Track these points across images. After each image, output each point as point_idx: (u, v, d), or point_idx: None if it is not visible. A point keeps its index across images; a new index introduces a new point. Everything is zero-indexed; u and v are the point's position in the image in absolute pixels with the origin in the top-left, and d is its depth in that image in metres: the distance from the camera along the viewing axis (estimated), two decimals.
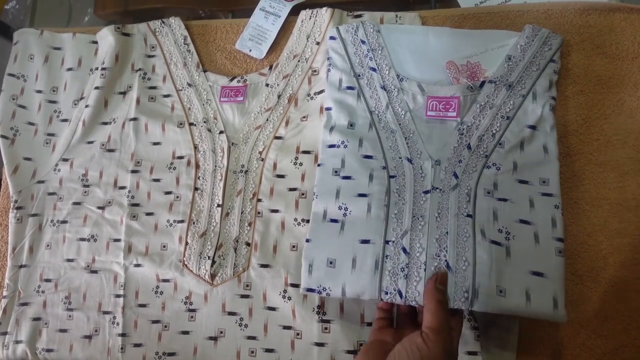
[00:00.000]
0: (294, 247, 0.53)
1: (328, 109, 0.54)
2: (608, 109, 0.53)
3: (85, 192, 0.60)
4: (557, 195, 0.47)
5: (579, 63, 0.54)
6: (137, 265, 0.56)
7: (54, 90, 0.63)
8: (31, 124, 0.62)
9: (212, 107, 0.60)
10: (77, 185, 0.60)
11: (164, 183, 0.58)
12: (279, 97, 0.58)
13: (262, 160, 0.56)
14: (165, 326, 0.54)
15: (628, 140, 0.52)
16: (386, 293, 0.44)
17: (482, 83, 0.51)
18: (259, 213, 0.55)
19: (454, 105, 0.50)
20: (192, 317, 0.54)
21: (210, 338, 0.53)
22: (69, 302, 0.57)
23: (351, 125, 0.52)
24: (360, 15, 0.58)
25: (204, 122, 0.59)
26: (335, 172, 0.51)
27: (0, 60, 0.68)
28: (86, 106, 0.61)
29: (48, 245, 0.59)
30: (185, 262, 0.54)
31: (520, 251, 0.45)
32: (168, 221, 0.56)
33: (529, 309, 0.43)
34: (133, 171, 0.59)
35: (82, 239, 0.58)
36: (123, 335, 0.54)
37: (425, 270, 0.45)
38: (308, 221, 0.51)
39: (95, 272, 0.57)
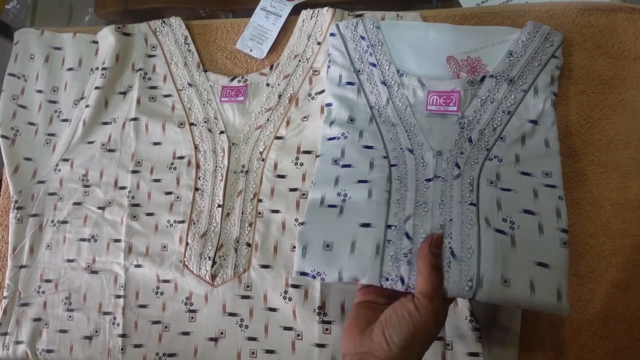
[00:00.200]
0: (294, 247, 0.52)
1: (328, 104, 0.53)
2: (610, 109, 0.53)
3: (86, 192, 0.59)
4: (560, 187, 0.47)
5: (581, 63, 0.54)
6: (138, 266, 0.56)
7: (54, 90, 0.63)
8: (32, 124, 0.62)
9: (213, 107, 0.60)
10: (77, 185, 0.60)
11: (165, 183, 0.58)
12: (279, 97, 0.58)
13: (263, 160, 0.56)
14: (166, 327, 0.54)
15: (630, 141, 0.52)
16: (387, 279, 0.42)
17: (483, 78, 0.51)
18: (259, 213, 0.55)
19: (454, 100, 0.50)
20: (192, 317, 0.53)
21: (211, 339, 0.52)
22: (69, 302, 0.57)
23: (351, 120, 0.52)
24: (361, 15, 0.58)
25: (205, 122, 0.59)
26: (335, 161, 0.50)
27: (1, 60, 0.68)
28: (86, 106, 0.61)
29: (48, 246, 0.59)
30: (186, 263, 0.54)
31: (524, 241, 0.44)
32: (168, 221, 0.56)
33: (533, 300, 0.41)
34: (133, 171, 0.59)
35: (83, 240, 0.58)
36: (123, 336, 0.54)
37: None
38: None
39: (95, 272, 0.57)
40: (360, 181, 0.48)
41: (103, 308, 0.56)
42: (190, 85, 0.61)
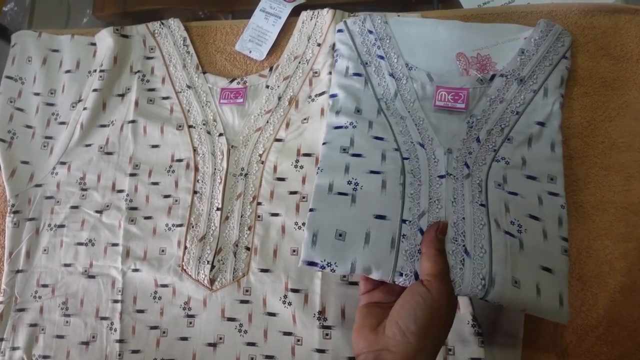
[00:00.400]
0: (294, 251, 0.52)
1: (333, 95, 0.52)
2: (613, 111, 0.53)
3: (83, 195, 0.59)
4: (563, 195, 0.47)
5: (584, 65, 0.54)
6: (135, 270, 0.55)
7: (51, 93, 0.63)
8: (29, 127, 0.61)
9: (212, 109, 0.59)
10: (74, 188, 0.59)
11: (163, 186, 0.57)
12: (279, 99, 0.58)
13: (262, 163, 0.56)
14: (164, 332, 0.53)
15: (634, 143, 0.52)
16: (401, 274, 0.42)
17: (493, 76, 0.50)
18: (259, 217, 0.54)
19: (463, 97, 0.50)
20: (190, 322, 0.53)
21: (209, 344, 0.52)
22: (66, 307, 0.56)
23: (358, 110, 0.51)
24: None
25: (204, 124, 0.58)
26: (344, 149, 0.49)
27: None
28: (84, 109, 0.60)
29: (45, 250, 0.58)
30: (184, 267, 0.54)
31: (531, 245, 0.44)
32: (167, 225, 0.56)
33: (538, 304, 0.42)
34: (131, 174, 0.58)
35: (80, 244, 0.57)
36: (121, 341, 0.54)
37: None
38: None
39: (92, 277, 0.56)
40: (372, 171, 0.47)
41: (100, 313, 0.55)
42: (189, 87, 0.60)
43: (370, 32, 0.54)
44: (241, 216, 0.54)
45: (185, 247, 0.54)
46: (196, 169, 0.57)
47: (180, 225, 0.55)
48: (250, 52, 0.61)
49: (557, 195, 0.47)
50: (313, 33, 0.59)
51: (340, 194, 0.46)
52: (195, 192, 0.56)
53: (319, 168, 0.48)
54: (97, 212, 0.58)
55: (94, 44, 0.63)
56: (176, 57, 0.62)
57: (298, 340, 0.50)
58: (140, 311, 0.54)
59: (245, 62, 0.62)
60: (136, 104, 0.60)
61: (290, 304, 0.51)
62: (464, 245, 0.43)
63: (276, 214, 0.54)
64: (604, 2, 0.56)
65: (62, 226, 0.58)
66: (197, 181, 0.56)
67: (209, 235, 0.54)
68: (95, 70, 0.61)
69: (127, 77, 0.62)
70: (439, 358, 0.46)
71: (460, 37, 0.53)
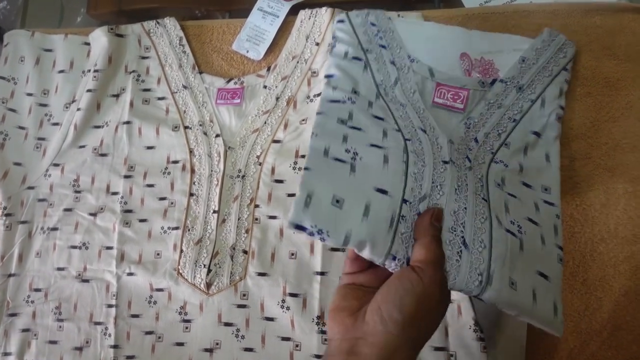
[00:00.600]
0: (292, 254, 0.51)
1: (330, 75, 0.49)
2: (617, 112, 0.52)
3: (77, 198, 0.58)
4: (558, 205, 0.46)
5: (587, 65, 0.53)
6: (130, 274, 0.54)
7: (45, 93, 0.62)
8: (21, 128, 0.60)
9: (208, 109, 0.58)
10: (68, 191, 0.58)
11: (158, 188, 0.56)
12: (277, 99, 0.57)
13: (260, 164, 0.55)
14: (159, 337, 0.52)
15: (638, 144, 0.51)
16: (394, 258, 0.38)
17: (494, 81, 0.49)
18: (256, 219, 0.53)
19: (462, 97, 0.49)
20: (186, 327, 0.52)
21: (206, 350, 0.51)
22: (59, 312, 0.55)
23: (355, 92, 0.48)
24: None
25: (200, 125, 0.57)
26: (342, 121, 0.45)
27: None
28: (78, 109, 0.59)
29: (38, 254, 0.57)
30: (180, 271, 0.53)
31: (530, 248, 0.42)
32: (162, 228, 0.55)
33: (533, 310, 0.40)
34: (126, 176, 0.57)
35: (73, 247, 0.56)
36: (115, 347, 0.53)
37: None
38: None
39: (86, 281, 0.55)
40: (373, 145, 0.44)
41: (94, 318, 0.54)
42: (185, 87, 0.59)
43: (373, 24, 0.52)
44: (238, 219, 0.53)
45: (181, 251, 0.53)
46: (192, 171, 0.56)
47: (176, 228, 0.54)
48: (247, 51, 0.60)
49: (552, 205, 0.46)
50: (311, 32, 0.58)
51: (337, 160, 0.42)
52: (191, 195, 0.55)
53: (313, 133, 0.44)
54: (91, 214, 0.57)
55: (88, 44, 0.62)
56: (172, 56, 0.61)
57: (297, 346, 0.49)
58: (135, 316, 0.53)
59: (243, 62, 0.61)
60: (131, 104, 0.59)
61: (288, 308, 0.50)
62: (462, 237, 0.40)
63: (274, 217, 0.52)
64: (607, 1, 0.55)
65: (55, 229, 0.57)
66: (194, 183, 0.55)
67: (206, 239, 0.53)
68: (89, 70, 0.60)
69: (121, 77, 0.61)
70: None
71: (465, 39, 0.52)
